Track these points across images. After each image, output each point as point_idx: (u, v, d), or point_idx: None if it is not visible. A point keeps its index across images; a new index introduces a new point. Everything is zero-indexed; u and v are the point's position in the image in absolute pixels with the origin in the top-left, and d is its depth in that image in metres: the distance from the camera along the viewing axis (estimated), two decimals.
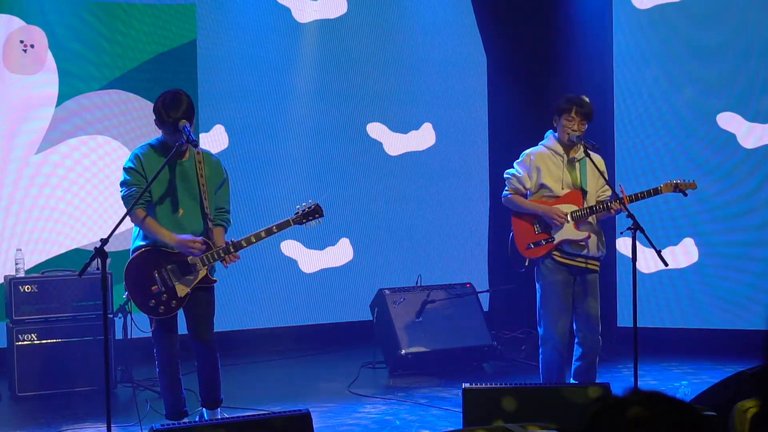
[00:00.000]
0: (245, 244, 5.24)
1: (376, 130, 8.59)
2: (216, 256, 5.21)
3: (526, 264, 5.81)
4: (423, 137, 8.73)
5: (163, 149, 5.22)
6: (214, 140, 7.98)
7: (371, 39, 8.55)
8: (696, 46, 7.95)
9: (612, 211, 5.64)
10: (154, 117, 5.18)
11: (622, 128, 8.13)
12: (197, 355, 5.38)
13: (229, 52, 8.09)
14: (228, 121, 8.10)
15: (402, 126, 8.67)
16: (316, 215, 5.36)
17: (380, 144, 8.61)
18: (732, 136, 7.85)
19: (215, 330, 5.44)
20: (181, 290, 5.19)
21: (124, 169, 5.24)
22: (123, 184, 5.24)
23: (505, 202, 5.86)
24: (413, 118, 8.70)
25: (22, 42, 7.44)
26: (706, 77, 7.92)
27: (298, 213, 5.34)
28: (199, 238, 5.18)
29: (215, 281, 5.33)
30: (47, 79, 7.50)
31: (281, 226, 5.29)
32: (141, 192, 5.04)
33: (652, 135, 8.04)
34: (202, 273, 5.22)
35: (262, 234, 5.25)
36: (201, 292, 5.27)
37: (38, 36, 7.47)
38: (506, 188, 5.84)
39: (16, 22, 7.43)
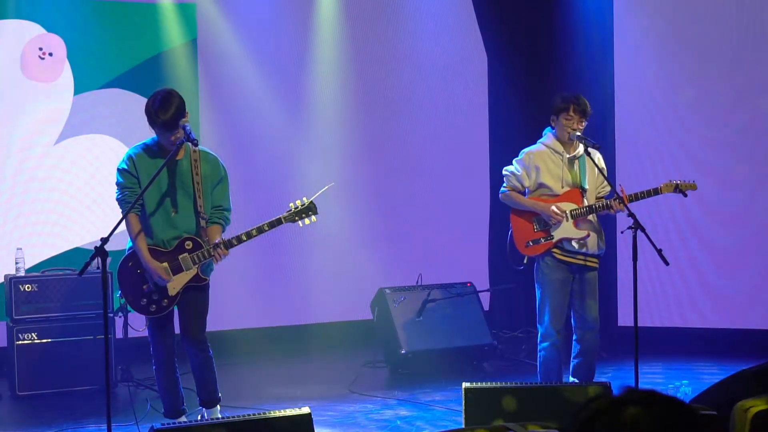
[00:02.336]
0: (236, 243, 5.22)
1: (376, 127, 8.58)
2: (207, 255, 5.20)
3: (525, 261, 5.81)
4: (421, 135, 8.71)
5: (157, 149, 5.22)
6: (214, 139, 7.97)
7: (371, 37, 8.54)
8: (697, 43, 7.94)
9: (612, 210, 5.64)
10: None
11: (622, 128, 8.12)
12: (189, 355, 5.36)
13: (229, 50, 8.08)
14: (229, 120, 8.09)
15: (402, 123, 8.65)
16: (310, 213, 5.31)
17: (381, 141, 8.60)
18: (733, 136, 7.85)
19: (216, 329, 5.41)
20: (172, 289, 5.18)
21: (118, 170, 5.24)
22: (117, 185, 5.26)
23: (503, 198, 5.85)
24: (414, 116, 8.68)
25: (41, 49, 7.44)
26: (707, 76, 7.91)
27: (290, 210, 5.29)
28: (173, 276, 5.15)
29: (206, 279, 5.29)
30: (63, 87, 7.51)
31: (273, 224, 5.25)
32: (135, 199, 5.05)
33: (652, 135, 8.03)
34: (192, 272, 5.21)
35: (253, 232, 5.23)
36: (192, 291, 5.25)
37: (57, 44, 7.47)
38: (504, 185, 5.83)
39: (36, 29, 7.43)
